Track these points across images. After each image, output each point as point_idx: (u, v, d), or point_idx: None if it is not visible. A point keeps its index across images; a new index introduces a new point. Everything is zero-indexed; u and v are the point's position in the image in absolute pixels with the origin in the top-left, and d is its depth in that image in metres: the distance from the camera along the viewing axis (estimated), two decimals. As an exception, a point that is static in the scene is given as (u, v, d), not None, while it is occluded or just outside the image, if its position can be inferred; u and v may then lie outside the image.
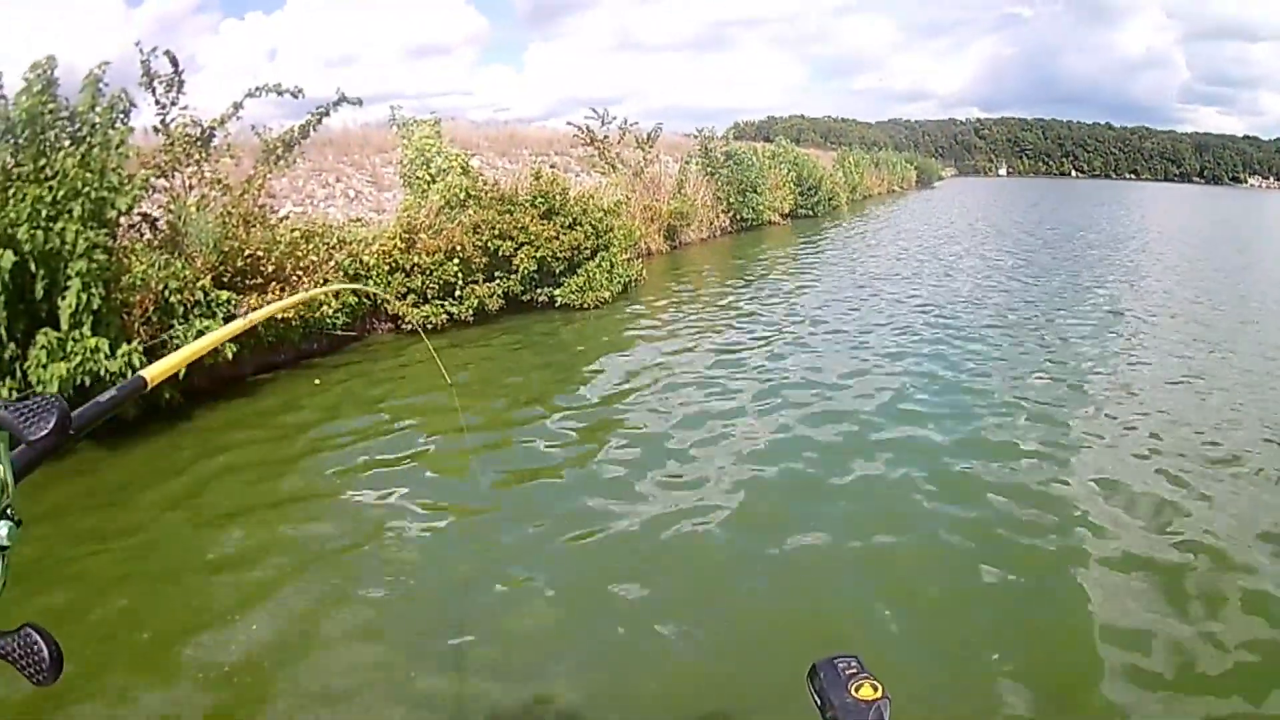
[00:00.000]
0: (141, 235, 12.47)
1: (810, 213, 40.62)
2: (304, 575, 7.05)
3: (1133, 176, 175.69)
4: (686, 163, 30.11)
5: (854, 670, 1.40)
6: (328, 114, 15.22)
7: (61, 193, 10.17)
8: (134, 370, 10.23)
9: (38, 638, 1.04)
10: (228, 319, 11.86)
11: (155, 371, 1.63)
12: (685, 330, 16.40)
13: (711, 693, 5.41)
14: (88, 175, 10.39)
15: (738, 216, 32.39)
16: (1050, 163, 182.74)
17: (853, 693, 1.36)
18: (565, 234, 17.57)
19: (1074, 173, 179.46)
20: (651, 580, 6.79)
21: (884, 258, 26.95)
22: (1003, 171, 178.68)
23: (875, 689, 1.36)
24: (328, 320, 14.64)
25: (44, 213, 9.93)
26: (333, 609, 6.51)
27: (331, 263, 15.07)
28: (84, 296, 10.05)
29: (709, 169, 31.28)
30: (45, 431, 1.10)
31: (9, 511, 1.10)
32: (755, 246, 29.11)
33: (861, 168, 61.29)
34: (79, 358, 9.97)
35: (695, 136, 32.67)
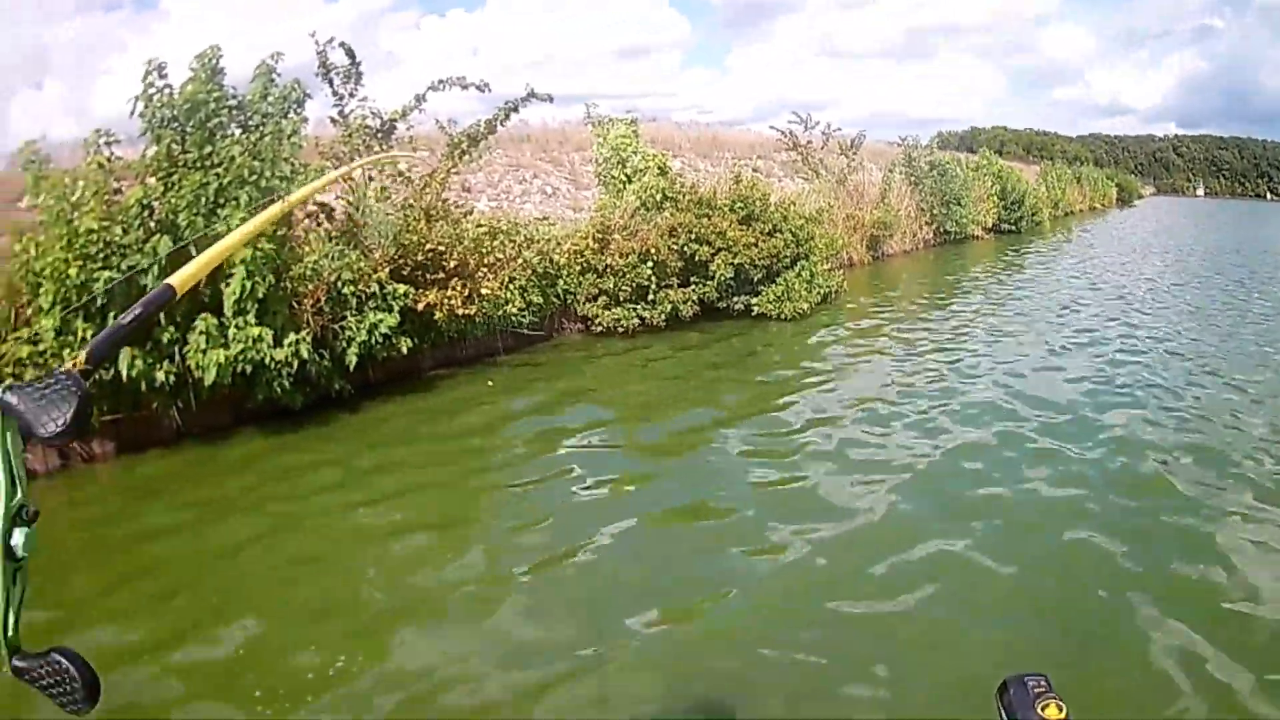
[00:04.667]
0: (318, 225, 11.81)
1: (1014, 228, 37.30)
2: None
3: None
4: (890, 171, 27.89)
5: (1042, 689, 1.41)
6: (516, 109, 14.29)
7: (227, 180, 9.80)
8: (301, 361, 10.02)
9: (68, 664, 0.88)
10: (403, 314, 11.44)
11: (182, 278, 1.35)
12: (887, 348, 14.34)
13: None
14: (255, 164, 9.98)
15: (941, 229, 29.80)
16: (1246, 183, 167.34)
17: (1039, 712, 1.37)
18: (764, 241, 15.96)
19: (1268, 195, 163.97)
20: (864, 594, 6.18)
21: (1098, 281, 23.37)
22: (1200, 191, 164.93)
23: (1060, 709, 1.37)
24: (513, 318, 13.64)
25: (206, 200, 9.59)
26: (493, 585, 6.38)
27: (519, 260, 13.99)
28: (248, 284, 9.58)
29: (913, 179, 28.89)
30: (60, 426, 0.91)
31: (25, 513, 0.93)
32: (959, 261, 26.25)
33: (1064, 183, 57.08)
34: (240, 346, 9.51)
35: (899, 145, 30.35)
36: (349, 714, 4.91)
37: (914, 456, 8.93)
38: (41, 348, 8.72)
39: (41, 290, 8.80)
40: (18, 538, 0.91)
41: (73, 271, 8.69)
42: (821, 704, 4.97)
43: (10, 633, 0.90)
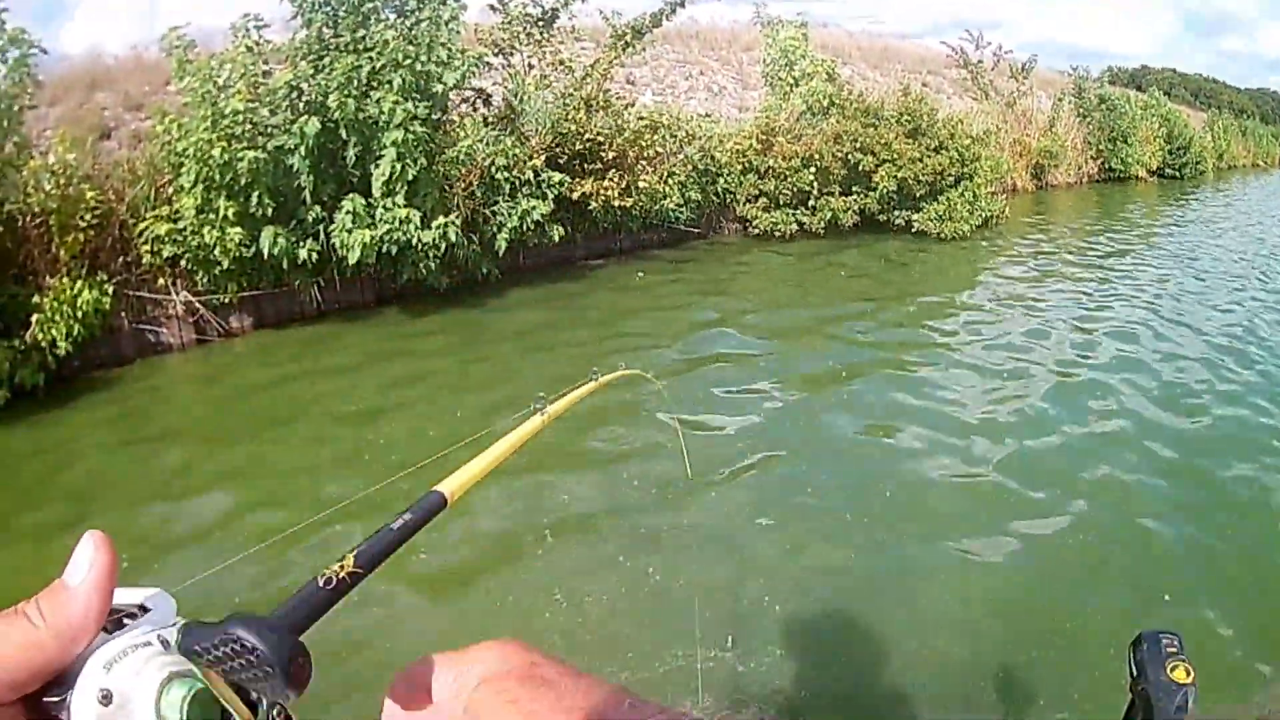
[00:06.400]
0: (474, 110, 11.68)
1: (1176, 174, 34.75)
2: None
3: None
4: (1059, 101, 26.20)
5: (1174, 650, 1.40)
6: (683, 4, 13.69)
7: (380, 64, 9.75)
8: (449, 244, 9.99)
9: (254, 640, 0.53)
10: (558, 202, 11.38)
11: (454, 486, 1.00)
12: (1045, 280, 13.17)
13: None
14: (410, 49, 9.90)
15: (1106, 165, 28.05)
16: None
17: (1168, 673, 1.36)
18: (929, 157, 15.06)
19: None
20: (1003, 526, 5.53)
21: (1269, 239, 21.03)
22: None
23: (1188, 673, 1.36)
24: (670, 213, 13.36)
25: (358, 83, 9.51)
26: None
27: (680, 155, 13.61)
28: (398, 166, 9.57)
29: (1081, 111, 27.13)
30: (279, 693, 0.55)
31: None
32: (1123, 200, 24.20)
33: (1230, 135, 53.24)
34: (387, 226, 9.53)
35: (1069, 75, 28.48)
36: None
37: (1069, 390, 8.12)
38: (180, 225, 8.80)
39: (184, 170, 8.81)
40: None
41: (216, 152, 8.65)
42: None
43: None
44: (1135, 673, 1.43)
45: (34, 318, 7.75)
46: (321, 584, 0.65)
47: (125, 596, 0.57)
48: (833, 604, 4.69)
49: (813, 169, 14.21)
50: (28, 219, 8.23)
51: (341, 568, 0.68)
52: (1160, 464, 6.52)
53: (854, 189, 14.91)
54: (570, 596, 4.63)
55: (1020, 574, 5.00)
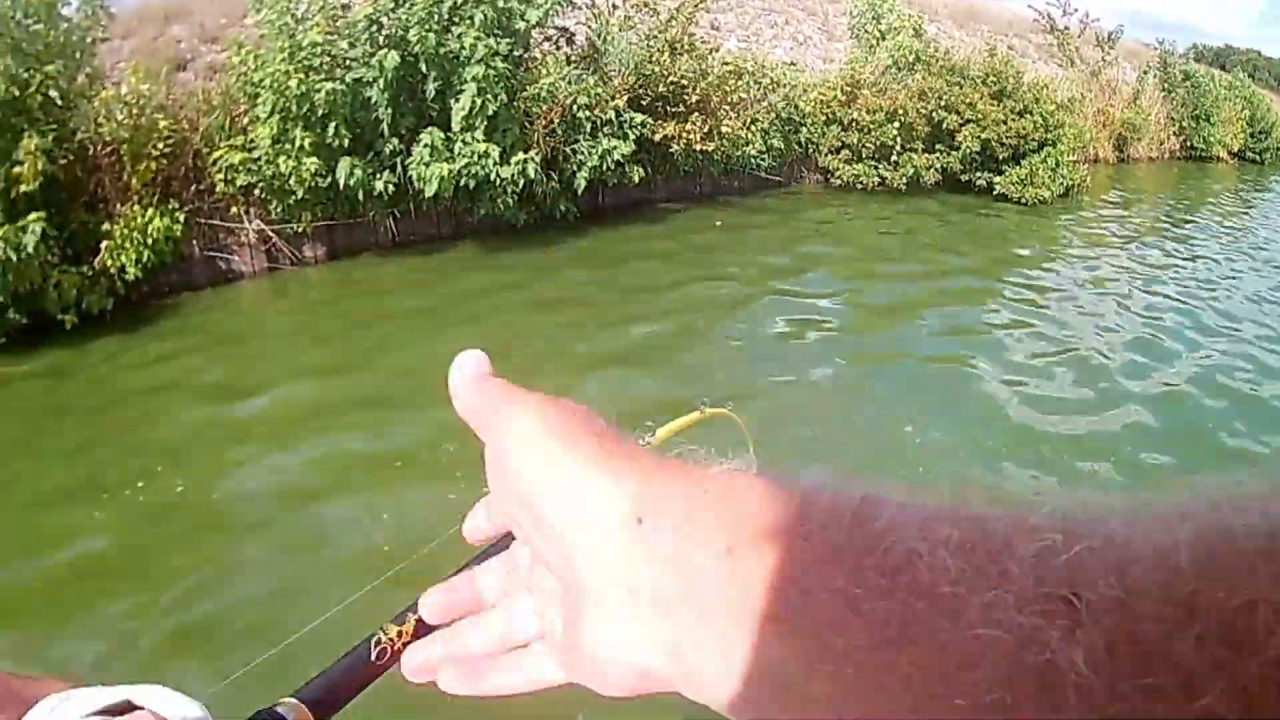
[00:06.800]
0: (557, 48, 11.59)
1: (1258, 158, 33.77)
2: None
3: None
4: (1144, 74, 25.44)
5: None
6: None
7: (462, 0, 9.63)
8: (528, 181, 10.01)
9: None
10: (639, 143, 11.22)
11: None
12: (1124, 252, 12.76)
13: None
14: None
15: (1187, 143, 27.25)
16: None
17: None
18: (1014, 120, 14.67)
19: None
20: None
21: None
22: None
23: None
24: (752, 160, 13.20)
25: (439, 17, 9.43)
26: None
27: (764, 103, 13.40)
28: (478, 101, 9.50)
29: (1165, 86, 26.33)
30: None
31: None
32: (1204, 180, 23.50)
33: (1313, 123, 51.47)
34: (465, 160, 9.49)
35: (1154, 48, 27.60)
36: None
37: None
38: (255, 154, 8.84)
39: (259, 100, 8.82)
40: None
41: (293, 83, 8.63)
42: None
43: None
44: None
45: (103, 244, 7.89)
46: (375, 654, 0.54)
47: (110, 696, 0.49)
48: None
49: (896, 124, 13.96)
50: (99, 148, 8.31)
51: (401, 634, 0.54)
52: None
53: (937, 147, 14.66)
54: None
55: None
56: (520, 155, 9.80)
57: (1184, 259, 12.58)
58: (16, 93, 7.45)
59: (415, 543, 0.83)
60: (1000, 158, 14.81)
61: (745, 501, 0.36)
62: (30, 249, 7.13)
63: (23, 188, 7.30)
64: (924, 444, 5.90)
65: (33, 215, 7.21)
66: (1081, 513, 0.29)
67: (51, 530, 4.86)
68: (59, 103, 8.04)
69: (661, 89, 11.95)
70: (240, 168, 8.85)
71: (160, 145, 8.42)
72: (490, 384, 0.45)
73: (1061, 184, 15.38)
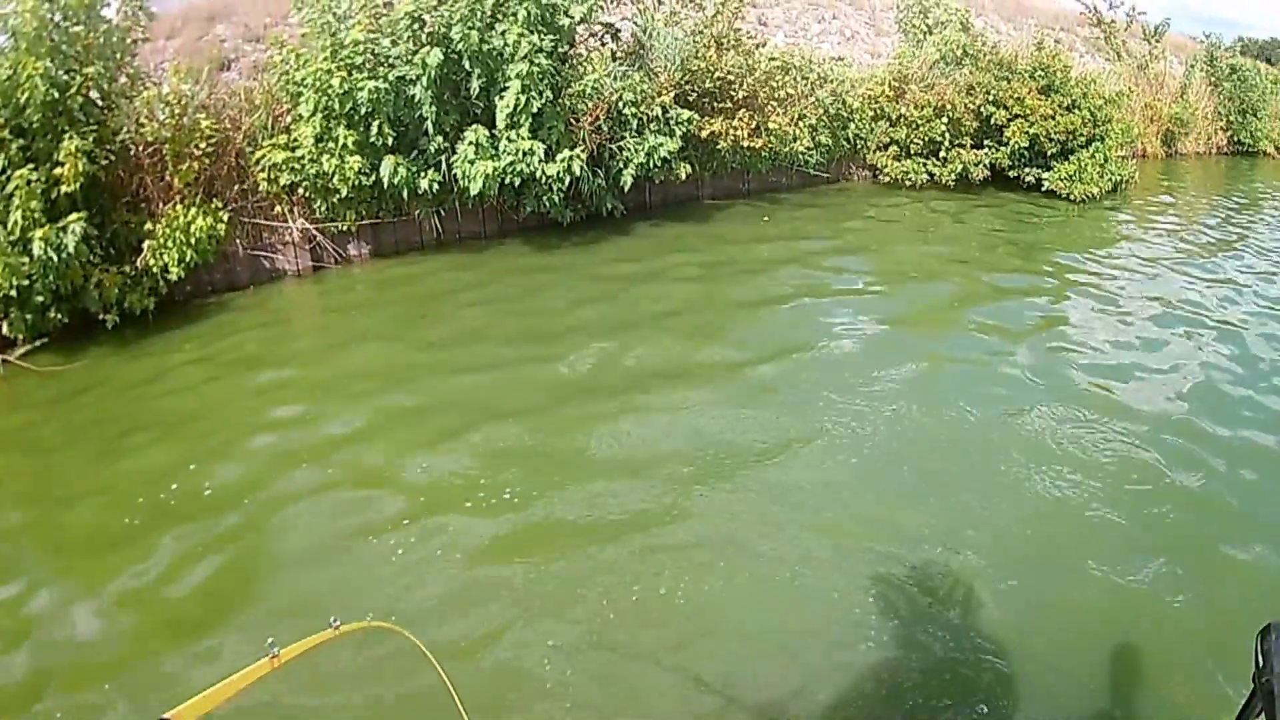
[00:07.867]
0: (602, 45, 11.38)
1: (1304, 153, 33.00)
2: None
3: None
4: (1191, 68, 24.79)
5: None
6: None
7: None
8: (574, 178, 9.94)
9: None
10: (685, 140, 11.01)
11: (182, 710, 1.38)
12: (1176, 251, 12.00)
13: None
14: None
15: (1234, 138, 26.56)
16: None
17: None
18: (1062, 115, 14.18)
19: None
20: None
21: None
22: None
23: None
24: (800, 156, 12.96)
25: (482, 14, 9.24)
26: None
27: (812, 99, 13.08)
28: (523, 98, 9.35)
29: (1213, 79, 25.66)
30: None
31: None
32: (1253, 175, 22.80)
33: (1357, 119, 50.29)
34: (510, 158, 9.33)
35: (1201, 41, 26.91)
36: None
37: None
38: (299, 153, 8.75)
39: (302, 99, 8.70)
40: None
41: (336, 81, 8.53)
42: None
43: None
44: (1260, 663, 1.34)
45: (146, 244, 7.80)
46: None
47: None
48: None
49: (945, 119, 13.60)
50: (141, 148, 8.20)
51: None
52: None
53: (985, 142, 14.25)
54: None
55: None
56: (565, 152, 9.64)
57: (1239, 262, 11.84)
58: (57, 95, 7.33)
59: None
60: (1049, 153, 14.36)
61: None
62: (71, 249, 7.04)
63: (64, 188, 7.20)
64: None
65: (74, 215, 7.12)
66: None
67: (81, 530, 4.83)
68: (99, 104, 7.96)
69: (708, 85, 11.72)
70: (284, 166, 8.77)
71: (203, 145, 8.33)
72: None
73: (1110, 180, 14.89)
